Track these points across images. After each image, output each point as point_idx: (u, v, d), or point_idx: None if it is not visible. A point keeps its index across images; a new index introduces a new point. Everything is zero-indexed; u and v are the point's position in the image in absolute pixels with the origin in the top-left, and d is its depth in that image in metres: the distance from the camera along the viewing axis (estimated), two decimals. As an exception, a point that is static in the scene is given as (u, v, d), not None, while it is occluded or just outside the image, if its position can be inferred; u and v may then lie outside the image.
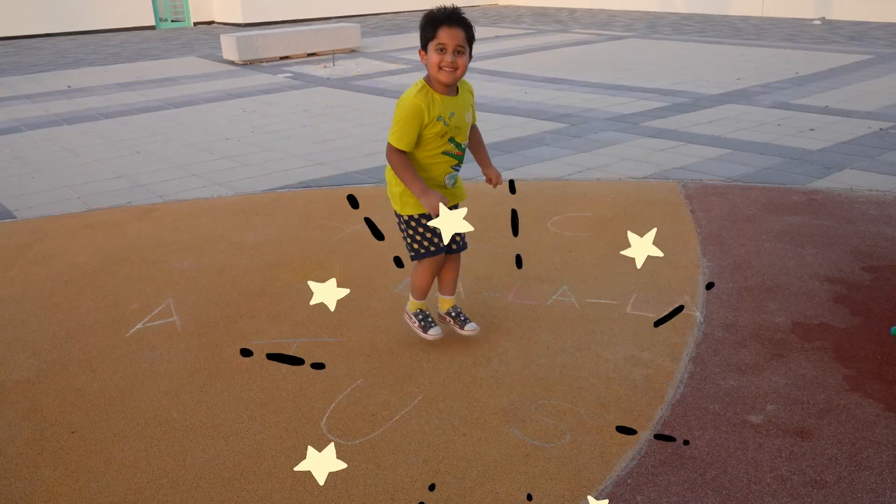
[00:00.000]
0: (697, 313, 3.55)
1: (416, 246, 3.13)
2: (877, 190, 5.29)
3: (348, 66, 12.04)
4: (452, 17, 2.85)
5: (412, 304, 3.33)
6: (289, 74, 11.42)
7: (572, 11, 21.24)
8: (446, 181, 3.11)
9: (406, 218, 3.09)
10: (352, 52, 13.77)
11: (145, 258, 4.42)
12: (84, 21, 18.53)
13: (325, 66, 12.08)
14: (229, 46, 12.77)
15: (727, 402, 2.86)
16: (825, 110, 7.89)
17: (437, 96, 2.94)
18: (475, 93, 3.14)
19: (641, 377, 3.04)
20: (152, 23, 19.59)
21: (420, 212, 3.04)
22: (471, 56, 2.97)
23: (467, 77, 3.14)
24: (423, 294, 3.29)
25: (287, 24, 18.66)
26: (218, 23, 20.58)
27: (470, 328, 3.32)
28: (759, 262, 4.11)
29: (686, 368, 3.09)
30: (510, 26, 17.57)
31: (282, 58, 13.07)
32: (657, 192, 5.33)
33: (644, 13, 20.04)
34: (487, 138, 7.16)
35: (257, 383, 3.08)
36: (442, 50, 2.86)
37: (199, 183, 6.01)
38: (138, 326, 3.60)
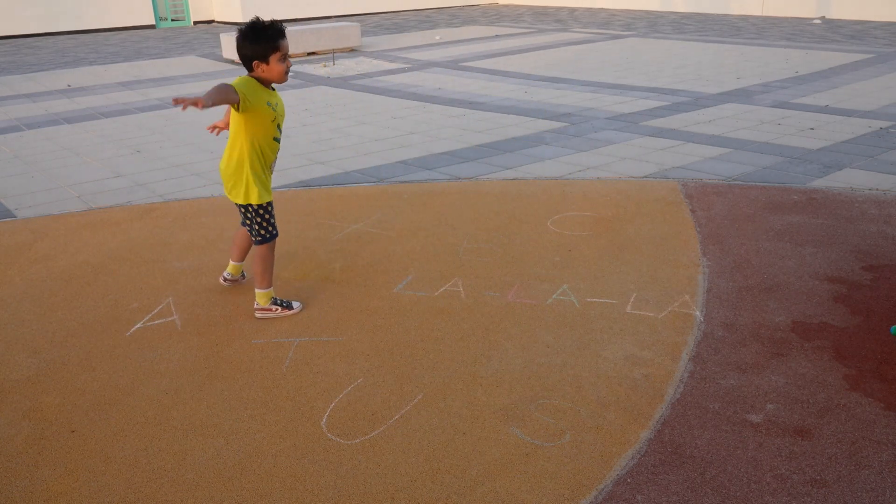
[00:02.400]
0: (697, 312, 3.55)
1: (264, 232, 3.54)
2: (877, 189, 5.29)
3: (348, 66, 12.04)
4: (284, 30, 3.36)
5: (266, 296, 3.63)
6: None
7: (572, 10, 21.24)
8: (272, 168, 3.56)
9: (265, 206, 3.49)
10: (352, 51, 13.77)
11: (145, 257, 4.42)
12: (84, 20, 18.53)
13: (325, 66, 12.08)
14: (229, 45, 12.76)
15: (727, 401, 2.86)
16: (825, 109, 7.89)
17: (264, 88, 3.40)
18: None
19: (641, 376, 3.04)
20: (152, 22, 19.59)
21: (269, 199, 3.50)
22: None
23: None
24: (270, 280, 3.65)
25: (287, 24, 18.64)
26: (218, 22, 20.58)
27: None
28: (758, 261, 4.11)
29: (686, 367, 3.09)
30: (510, 25, 17.57)
31: (282, 57, 13.05)
32: (657, 192, 5.33)
33: (644, 12, 20.03)
34: (487, 137, 7.17)
35: (257, 382, 3.08)
36: (285, 59, 3.38)
37: (199, 182, 6.01)
38: (138, 325, 3.60)
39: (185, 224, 4.98)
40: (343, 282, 4.00)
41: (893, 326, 3.32)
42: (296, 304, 3.68)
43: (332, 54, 13.11)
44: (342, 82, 10.58)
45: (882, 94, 8.61)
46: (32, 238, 4.81)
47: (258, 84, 3.34)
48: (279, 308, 3.63)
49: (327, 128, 7.83)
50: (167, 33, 18.33)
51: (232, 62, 12.79)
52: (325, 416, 2.84)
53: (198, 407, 2.93)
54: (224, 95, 3.12)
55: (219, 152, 6.91)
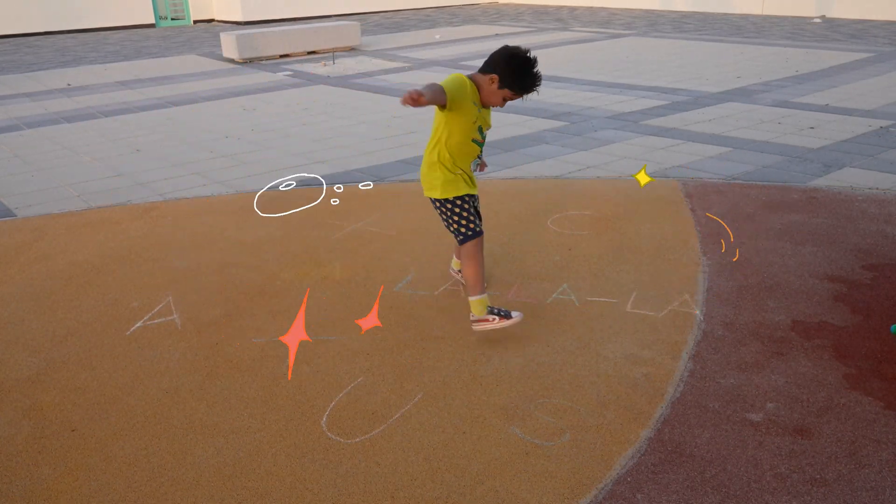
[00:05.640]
0: (697, 311, 3.55)
1: (463, 229, 3.32)
2: (877, 188, 5.29)
3: (348, 65, 12.04)
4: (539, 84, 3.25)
5: (481, 304, 3.32)
6: (289, 72, 11.41)
7: (572, 9, 21.23)
8: (472, 167, 3.38)
9: (452, 200, 3.30)
10: (351, 50, 13.77)
11: (145, 256, 4.42)
12: (84, 19, 18.52)
13: (325, 65, 12.08)
14: (229, 44, 12.76)
15: (727, 400, 2.86)
16: (825, 108, 7.89)
17: (474, 90, 3.24)
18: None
19: (641, 375, 3.04)
20: (152, 21, 19.58)
21: (465, 192, 3.32)
22: None
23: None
24: (483, 285, 3.36)
25: (287, 23, 18.65)
26: (218, 21, 20.57)
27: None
28: (758, 260, 4.11)
29: (686, 367, 3.09)
30: (510, 24, 17.56)
31: (282, 56, 13.06)
32: (657, 191, 5.33)
33: (644, 11, 20.02)
34: (487, 136, 7.15)
35: (257, 381, 3.08)
36: (509, 100, 3.27)
37: (199, 181, 6.01)
38: (138, 325, 3.60)
39: (184, 223, 4.98)
40: (343, 281, 4.00)
41: (893, 325, 3.32)
42: (515, 314, 3.32)
43: (332, 53, 13.11)
44: (342, 81, 10.57)
45: (882, 93, 8.61)
46: (32, 237, 4.81)
47: (470, 84, 3.18)
48: (496, 318, 3.30)
49: (327, 127, 7.83)
50: (167, 32, 18.32)
51: (231, 61, 12.79)
52: (326, 416, 2.84)
53: (198, 406, 2.93)
54: (436, 97, 3.04)
55: (219, 151, 6.91)
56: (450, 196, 3.29)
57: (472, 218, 3.33)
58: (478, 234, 3.33)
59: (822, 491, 2.38)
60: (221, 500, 2.42)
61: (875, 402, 2.82)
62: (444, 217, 3.37)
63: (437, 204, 3.35)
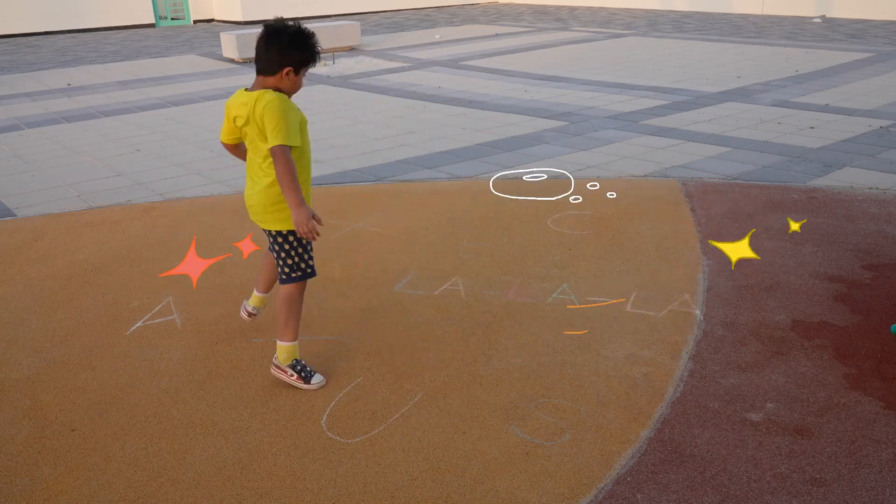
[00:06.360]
0: (697, 311, 3.55)
1: (299, 266, 2.92)
2: (877, 188, 5.29)
3: (348, 65, 12.03)
4: None
5: (287, 351, 2.99)
6: (289, 72, 11.40)
7: (572, 9, 21.22)
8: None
9: (286, 233, 2.89)
10: (352, 49, 13.77)
11: (145, 256, 4.42)
12: (84, 19, 18.52)
13: (324, 65, 12.07)
14: (229, 44, 12.76)
15: (727, 400, 2.86)
16: (825, 108, 7.89)
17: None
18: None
19: (641, 375, 3.04)
20: (152, 21, 19.58)
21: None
22: None
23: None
24: (297, 332, 3.01)
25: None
26: (218, 20, 20.57)
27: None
28: (758, 260, 4.11)
29: (686, 366, 3.09)
30: (510, 24, 17.56)
31: (282, 56, 13.04)
32: (657, 191, 5.33)
33: (644, 11, 20.02)
34: (487, 136, 7.16)
35: (257, 381, 3.08)
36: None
37: (199, 181, 6.01)
38: (138, 324, 3.60)
39: (185, 223, 4.98)
40: (343, 281, 4.00)
41: (893, 325, 3.32)
42: (315, 380, 3.00)
43: (332, 53, 13.11)
44: (342, 81, 10.57)
45: (882, 92, 8.61)
46: (32, 237, 4.81)
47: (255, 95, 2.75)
48: (295, 375, 2.99)
49: (327, 126, 7.82)
50: (167, 32, 18.32)
51: (231, 61, 12.79)
52: (325, 415, 2.84)
53: (198, 406, 2.93)
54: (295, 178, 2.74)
55: (219, 151, 6.91)
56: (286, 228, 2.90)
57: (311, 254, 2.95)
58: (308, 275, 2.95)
59: (821, 491, 2.38)
60: (221, 499, 2.42)
61: (875, 402, 2.82)
62: (281, 249, 2.92)
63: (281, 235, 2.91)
